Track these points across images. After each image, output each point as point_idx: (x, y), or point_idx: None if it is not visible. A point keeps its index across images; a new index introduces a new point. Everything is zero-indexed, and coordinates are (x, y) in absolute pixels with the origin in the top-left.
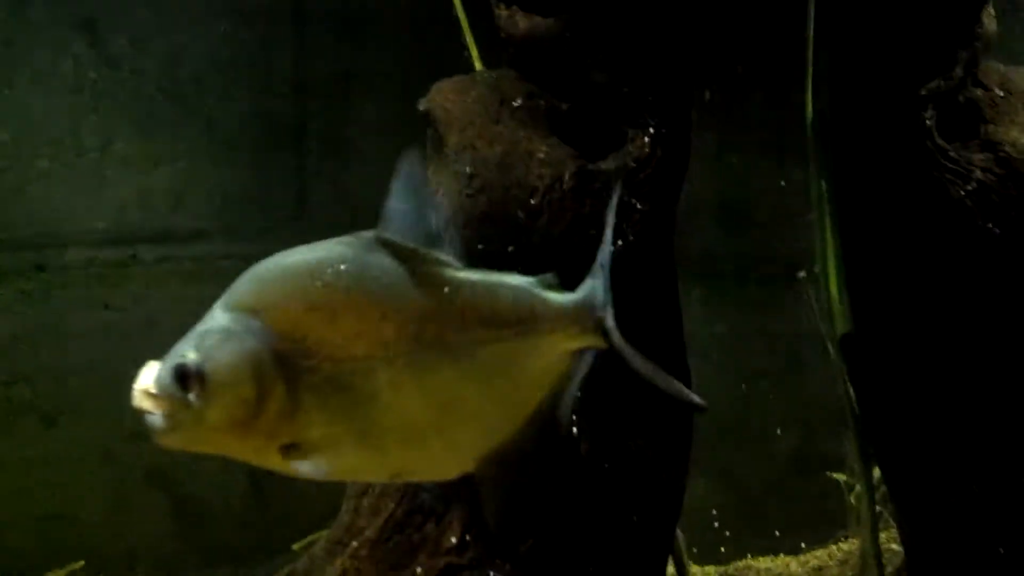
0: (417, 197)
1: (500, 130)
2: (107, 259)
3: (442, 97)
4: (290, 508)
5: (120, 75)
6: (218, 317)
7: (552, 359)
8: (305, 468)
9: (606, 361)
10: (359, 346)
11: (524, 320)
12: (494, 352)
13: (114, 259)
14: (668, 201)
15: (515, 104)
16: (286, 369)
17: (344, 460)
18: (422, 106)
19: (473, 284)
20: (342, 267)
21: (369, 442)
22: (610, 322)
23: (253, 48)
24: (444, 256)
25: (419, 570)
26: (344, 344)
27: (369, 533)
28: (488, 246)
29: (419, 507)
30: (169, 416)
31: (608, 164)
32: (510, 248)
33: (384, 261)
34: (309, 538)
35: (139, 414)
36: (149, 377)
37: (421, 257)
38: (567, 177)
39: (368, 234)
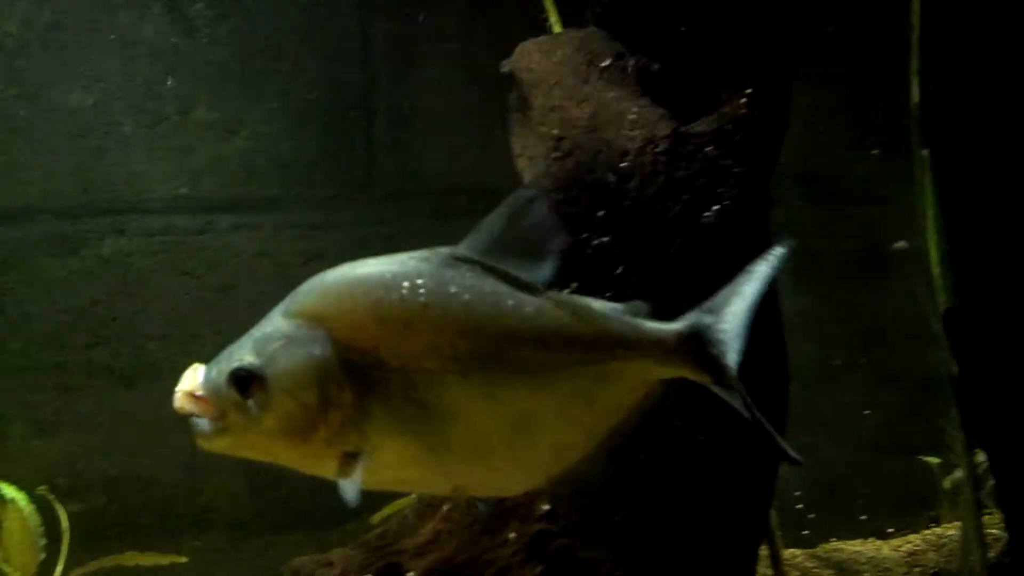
0: (517, 225)
1: (589, 91)
2: (184, 226)
3: (527, 58)
4: None
5: (198, 42)
6: (278, 323)
7: (635, 385)
8: (364, 479)
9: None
10: (434, 360)
11: (609, 344)
12: (575, 374)
13: (191, 226)
14: (766, 165)
15: (604, 64)
16: (353, 378)
17: (407, 472)
18: (505, 67)
19: (557, 305)
20: (419, 280)
21: (435, 455)
22: (729, 365)
23: (323, 13)
24: (527, 277)
25: (511, 536)
26: (418, 357)
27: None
28: (576, 210)
29: None
30: (219, 420)
31: (702, 127)
32: (599, 213)
33: (462, 277)
34: (386, 510)
35: (181, 416)
36: (195, 379)
37: (502, 276)
38: (660, 139)
39: (445, 250)
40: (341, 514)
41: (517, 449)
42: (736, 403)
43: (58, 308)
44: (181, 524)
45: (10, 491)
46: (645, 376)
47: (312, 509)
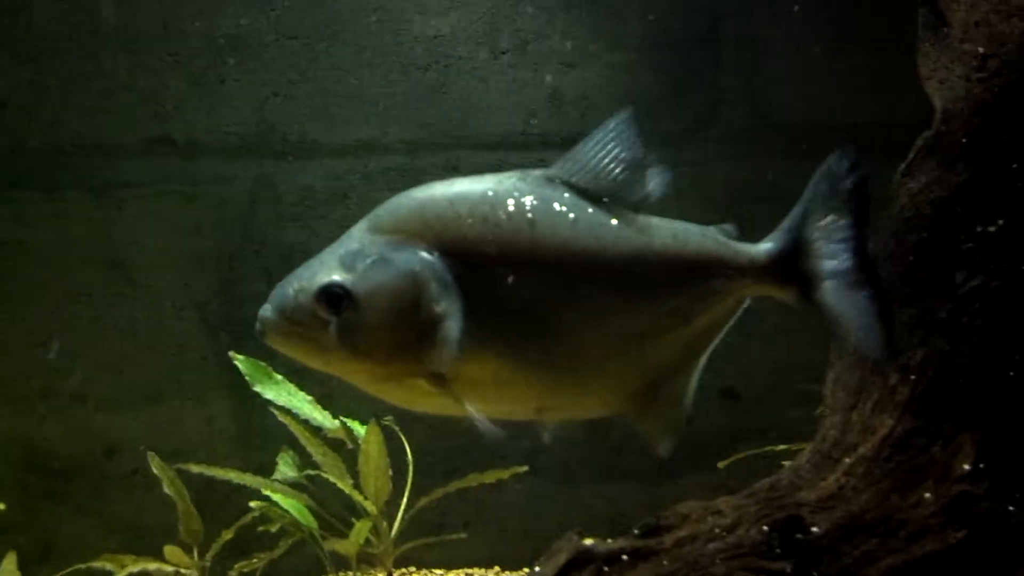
0: (609, 149)
1: (1021, 3)
2: (517, 162)
3: None
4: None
5: None
6: (365, 241)
7: (730, 303)
8: (445, 403)
9: None
10: (540, 277)
11: (709, 263)
12: (676, 292)
13: (523, 163)
14: None
15: None
16: (455, 296)
17: (496, 391)
18: None
19: (657, 227)
20: (524, 199)
21: (530, 373)
22: (817, 281)
23: None
24: (624, 200)
25: (927, 496)
26: (524, 274)
27: (863, 450)
28: (1005, 137)
29: (922, 427)
30: (302, 337)
31: None
32: None
33: (565, 198)
34: (734, 456)
35: (266, 330)
36: (282, 295)
37: (597, 197)
38: None
39: (536, 173)
40: (674, 467)
41: (612, 367)
42: (827, 316)
43: None
44: (506, 466)
45: (354, 423)
46: (739, 294)
47: (641, 461)
